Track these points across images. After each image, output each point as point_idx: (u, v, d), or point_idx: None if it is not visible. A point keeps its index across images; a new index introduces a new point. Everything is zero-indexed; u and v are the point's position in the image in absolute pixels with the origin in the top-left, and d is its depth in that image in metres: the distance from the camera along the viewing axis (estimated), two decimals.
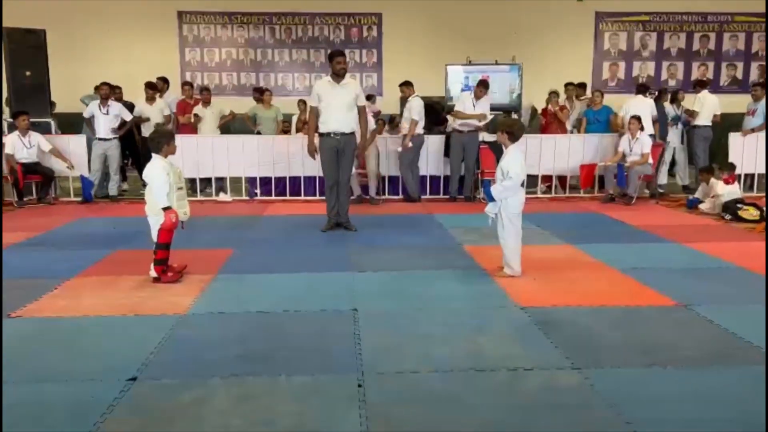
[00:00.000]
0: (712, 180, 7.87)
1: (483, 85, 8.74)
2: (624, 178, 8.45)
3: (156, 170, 4.52)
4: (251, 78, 12.75)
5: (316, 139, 6.52)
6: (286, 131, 10.17)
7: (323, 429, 2.57)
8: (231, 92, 12.36)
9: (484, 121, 8.74)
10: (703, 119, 9.32)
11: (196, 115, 9.48)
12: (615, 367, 3.16)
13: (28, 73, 8.90)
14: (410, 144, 8.54)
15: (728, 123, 9.53)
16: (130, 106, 9.30)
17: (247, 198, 9.10)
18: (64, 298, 4.28)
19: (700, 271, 5.03)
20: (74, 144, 8.99)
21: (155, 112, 9.34)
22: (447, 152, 8.99)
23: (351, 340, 3.48)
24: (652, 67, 13.23)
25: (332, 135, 6.37)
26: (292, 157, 8.86)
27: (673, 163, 10.00)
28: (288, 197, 9.03)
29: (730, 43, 13.20)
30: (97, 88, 10.62)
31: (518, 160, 4.68)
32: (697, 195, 8.17)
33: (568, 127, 9.96)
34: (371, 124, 8.26)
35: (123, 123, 9.05)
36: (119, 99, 9.46)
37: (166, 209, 4.48)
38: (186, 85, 10.19)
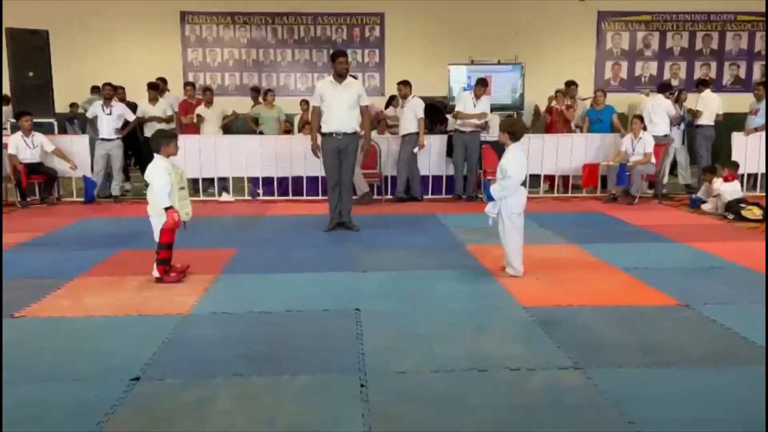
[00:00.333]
0: (714, 179, 7.87)
1: (482, 84, 8.75)
2: (626, 178, 8.45)
3: (158, 170, 4.52)
4: (254, 78, 12.77)
5: (319, 139, 6.53)
6: (288, 131, 10.19)
7: (326, 429, 2.57)
8: (233, 92, 12.38)
9: (484, 120, 8.74)
10: (706, 119, 9.30)
11: (198, 115, 9.51)
12: (617, 366, 3.16)
13: (30, 74, 8.92)
14: (425, 143, 8.59)
15: (731, 122, 9.52)
16: (132, 107, 9.31)
17: (249, 198, 9.11)
18: (68, 298, 4.29)
19: (703, 270, 5.02)
20: (77, 144, 9.01)
21: (158, 113, 9.35)
22: (450, 152, 9.00)
23: (353, 340, 3.48)
24: (654, 66, 13.23)
25: (334, 135, 6.37)
26: (294, 157, 8.87)
27: (674, 163, 9.98)
28: (290, 197, 9.04)
29: (733, 42, 13.19)
30: (93, 89, 10.67)
31: (517, 160, 4.67)
32: (699, 194, 8.16)
33: (573, 126, 9.96)
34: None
35: (126, 123, 9.07)
36: (122, 99, 9.48)
37: (167, 209, 4.49)
38: (188, 85, 10.21)
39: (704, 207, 7.81)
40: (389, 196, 8.92)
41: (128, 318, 3.91)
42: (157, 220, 4.57)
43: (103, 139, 8.80)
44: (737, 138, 9.28)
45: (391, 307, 4.11)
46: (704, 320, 3.83)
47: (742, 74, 13.25)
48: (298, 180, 9.08)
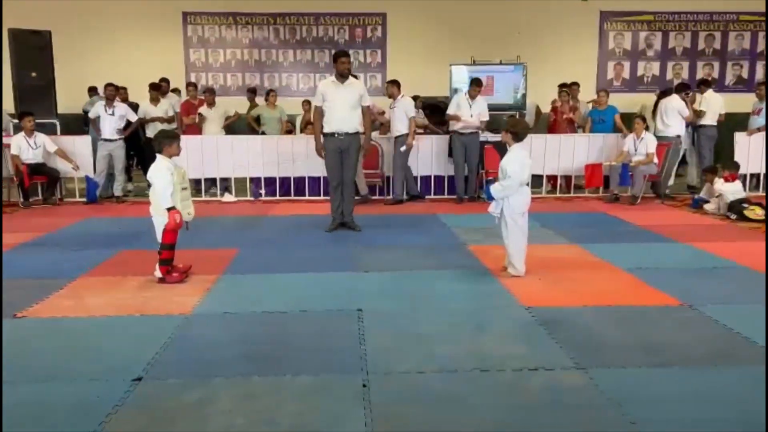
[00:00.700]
0: (715, 179, 7.85)
1: (476, 84, 8.62)
2: (628, 178, 8.44)
3: (160, 171, 4.53)
4: (255, 78, 12.77)
5: (322, 139, 6.53)
6: (290, 131, 10.19)
7: (327, 429, 2.57)
8: (235, 93, 12.36)
9: (483, 119, 8.64)
10: (709, 119, 9.28)
11: (200, 115, 9.51)
12: (619, 366, 3.16)
13: (33, 74, 8.94)
14: (413, 142, 8.49)
15: (734, 122, 9.50)
16: (134, 107, 9.32)
17: (251, 198, 9.11)
18: (70, 298, 4.29)
19: (705, 270, 5.02)
20: (79, 145, 9.02)
21: (159, 113, 9.37)
22: (451, 153, 8.98)
23: (355, 340, 3.48)
24: (657, 66, 13.20)
25: (336, 135, 6.38)
26: (296, 157, 8.88)
27: (681, 163, 9.96)
28: (292, 197, 9.04)
29: (735, 42, 13.15)
30: (91, 90, 10.68)
31: (518, 160, 4.66)
32: (702, 195, 8.15)
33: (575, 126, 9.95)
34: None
35: (128, 124, 9.08)
36: (124, 100, 9.50)
37: (170, 210, 4.49)
38: (190, 85, 10.22)
39: (707, 207, 7.80)
40: (390, 197, 8.91)
41: (130, 318, 3.91)
42: (160, 221, 4.57)
43: (105, 140, 8.81)
44: (740, 138, 9.27)
45: (393, 307, 4.11)
46: (706, 320, 3.82)
47: (745, 74, 13.22)
48: (300, 180, 9.08)
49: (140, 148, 9.67)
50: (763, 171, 9.23)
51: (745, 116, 9.68)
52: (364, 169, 8.35)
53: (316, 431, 2.56)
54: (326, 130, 6.43)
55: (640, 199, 8.39)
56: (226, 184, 9.17)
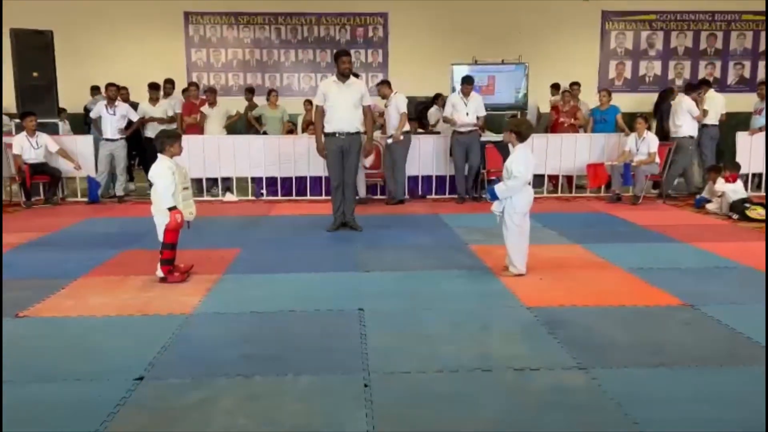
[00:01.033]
0: (718, 179, 7.84)
1: (468, 82, 8.58)
2: (630, 177, 8.43)
3: (161, 170, 4.53)
4: (257, 78, 12.77)
5: (323, 139, 6.53)
6: (291, 131, 10.19)
7: (329, 429, 2.57)
8: (237, 93, 12.34)
9: (480, 115, 8.57)
10: (711, 119, 9.27)
11: (201, 113, 9.51)
12: (622, 367, 3.15)
13: (35, 74, 8.94)
14: (402, 136, 8.41)
15: (736, 122, 9.49)
16: (133, 107, 9.33)
17: (253, 198, 9.12)
18: (71, 298, 4.29)
19: (707, 270, 5.01)
20: (81, 145, 9.03)
21: (158, 113, 9.37)
22: (452, 152, 8.96)
23: (357, 340, 3.48)
24: (658, 66, 13.18)
25: (337, 135, 6.37)
26: (297, 157, 8.88)
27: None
28: (294, 197, 9.05)
29: (737, 41, 13.13)
30: (93, 89, 10.69)
31: (523, 159, 4.66)
32: (704, 194, 8.14)
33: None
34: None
35: (130, 123, 9.08)
36: (125, 99, 9.50)
37: (171, 209, 4.49)
38: (192, 85, 10.22)
39: (709, 207, 7.80)
40: (392, 197, 8.90)
41: (132, 318, 3.91)
42: (161, 220, 4.57)
43: (107, 140, 8.82)
44: (742, 137, 9.25)
45: (395, 307, 4.11)
46: (708, 320, 3.81)
47: (747, 74, 13.20)
48: (301, 180, 9.08)
49: (142, 147, 9.68)
50: (766, 170, 9.21)
51: (746, 116, 9.67)
52: (372, 169, 8.33)
53: (318, 431, 2.55)
54: (327, 129, 6.42)
55: (641, 198, 8.38)
56: (227, 184, 9.17)
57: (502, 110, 10.49)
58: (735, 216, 7.22)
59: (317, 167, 8.33)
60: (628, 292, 4.41)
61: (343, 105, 6.33)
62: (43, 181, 8.76)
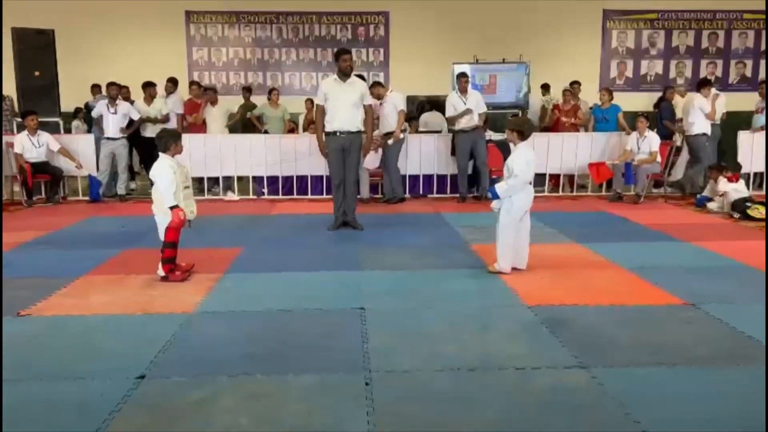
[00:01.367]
0: (720, 177, 7.83)
1: (463, 77, 8.54)
2: (632, 176, 8.42)
3: (163, 169, 4.53)
4: (258, 77, 12.78)
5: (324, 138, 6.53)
6: (292, 130, 10.19)
7: (331, 428, 2.57)
8: (238, 92, 12.33)
9: (480, 112, 8.52)
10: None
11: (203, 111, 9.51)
12: (623, 366, 3.15)
13: (36, 73, 8.95)
14: (402, 135, 8.41)
15: (737, 121, 9.47)
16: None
17: (254, 197, 9.12)
18: (73, 297, 4.30)
19: (709, 269, 5.00)
20: (83, 143, 9.04)
21: (153, 112, 9.37)
22: (454, 151, 8.95)
23: (358, 339, 3.48)
24: (660, 65, 13.17)
25: (338, 134, 6.37)
26: (299, 156, 8.88)
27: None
28: (295, 196, 9.05)
29: (739, 40, 13.12)
30: (95, 87, 10.68)
31: (524, 158, 4.66)
32: (705, 193, 8.13)
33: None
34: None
35: (131, 122, 9.09)
36: (126, 98, 9.50)
37: (172, 208, 4.49)
38: (193, 84, 10.22)
39: (710, 206, 7.79)
40: (393, 197, 8.89)
41: (133, 317, 3.92)
42: (163, 219, 4.58)
43: (108, 138, 8.82)
44: (743, 136, 9.24)
45: (396, 306, 4.11)
46: (710, 320, 3.81)
47: (749, 72, 13.19)
48: (302, 179, 9.09)
49: (139, 146, 9.67)
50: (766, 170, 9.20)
51: (748, 114, 9.66)
52: (375, 170, 8.31)
53: (320, 431, 2.55)
54: (328, 128, 6.42)
55: (643, 197, 8.38)
56: (228, 183, 9.18)
57: (504, 109, 10.48)
58: (736, 215, 7.22)
59: (318, 166, 8.33)
60: (630, 291, 4.41)
61: (344, 104, 6.33)
62: (45, 180, 8.76)
